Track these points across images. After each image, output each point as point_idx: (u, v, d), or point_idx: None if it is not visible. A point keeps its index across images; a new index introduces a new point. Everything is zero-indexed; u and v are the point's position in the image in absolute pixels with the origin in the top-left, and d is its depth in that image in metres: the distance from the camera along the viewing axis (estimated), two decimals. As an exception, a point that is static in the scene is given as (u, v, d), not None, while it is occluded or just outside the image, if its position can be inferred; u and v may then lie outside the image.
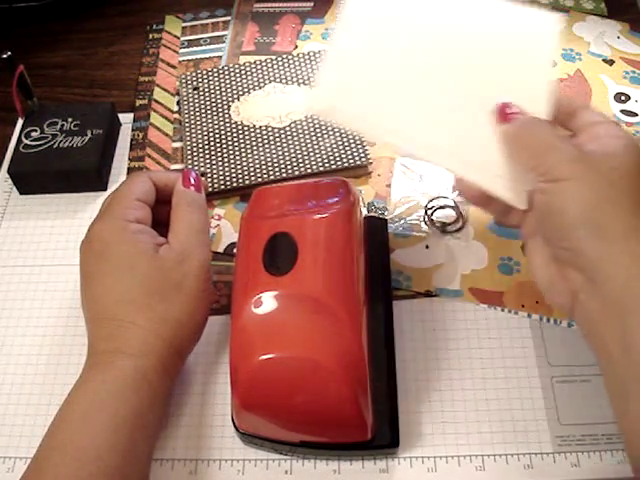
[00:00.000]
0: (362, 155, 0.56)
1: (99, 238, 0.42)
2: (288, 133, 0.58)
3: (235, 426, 0.42)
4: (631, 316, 0.32)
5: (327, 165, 0.56)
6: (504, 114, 0.38)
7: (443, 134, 0.39)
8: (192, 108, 0.61)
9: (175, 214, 0.44)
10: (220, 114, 0.61)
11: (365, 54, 0.41)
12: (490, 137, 0.38)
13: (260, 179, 0.55)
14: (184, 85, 0.64)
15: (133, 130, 0.62)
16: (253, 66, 0.64)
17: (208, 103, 0.62)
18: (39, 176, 0.57)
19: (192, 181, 0.46)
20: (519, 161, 0.37)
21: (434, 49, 0.41)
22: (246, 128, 0.59)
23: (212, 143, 0.58)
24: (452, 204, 0.54)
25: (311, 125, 0.59)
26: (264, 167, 0.56)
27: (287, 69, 0.63)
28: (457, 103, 0.40)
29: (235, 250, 0.52)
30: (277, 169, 0.56)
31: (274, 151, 0.57)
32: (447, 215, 0.53)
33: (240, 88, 0.63)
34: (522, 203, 0.37)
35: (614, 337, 0.32)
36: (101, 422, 0.36)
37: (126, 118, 0.63)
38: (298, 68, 0.63)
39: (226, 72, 0.64)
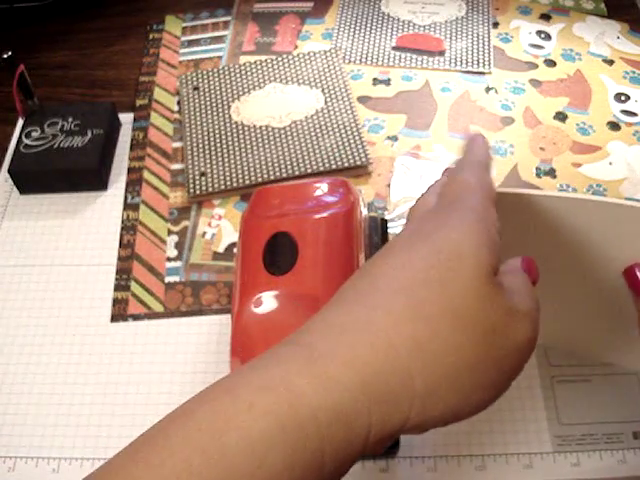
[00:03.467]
0: (362, 155, 0.56)
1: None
2: (288, 133, 0.58)
3: (235, 426, 0.42)
4: None
5: (327, 165, 0.56)
6: (634, 282, 0.33)
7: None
8: (192, 108, 0.62)
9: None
10: (220, 114, 0.61)
11: None
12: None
13: (260, 179, 0.55)
14: (184, 85, 0.64)
15: (133, 130, 0.62)
16: (253, 66, 0.64)
17: (208, 103, 0.62)
18: (39, 176, 0.57)
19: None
20: None
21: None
22: (246, 128, 0.59)
23: (212, 143, 0.58)
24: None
25: (311, 125, 0.59)
26: (264, 167, 0.56)
27: (287, 69, 0.63)
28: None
29: (235, 250, 0.52)
30: (277, 169, 0.56)
31: (274, 151, 0.57)
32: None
33: (240, 88, 0.63)
34: None
35: None
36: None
37: (126, 118, 0.63)
38: (298, 68, 0.63)
39: (226, 72, 0.64)
